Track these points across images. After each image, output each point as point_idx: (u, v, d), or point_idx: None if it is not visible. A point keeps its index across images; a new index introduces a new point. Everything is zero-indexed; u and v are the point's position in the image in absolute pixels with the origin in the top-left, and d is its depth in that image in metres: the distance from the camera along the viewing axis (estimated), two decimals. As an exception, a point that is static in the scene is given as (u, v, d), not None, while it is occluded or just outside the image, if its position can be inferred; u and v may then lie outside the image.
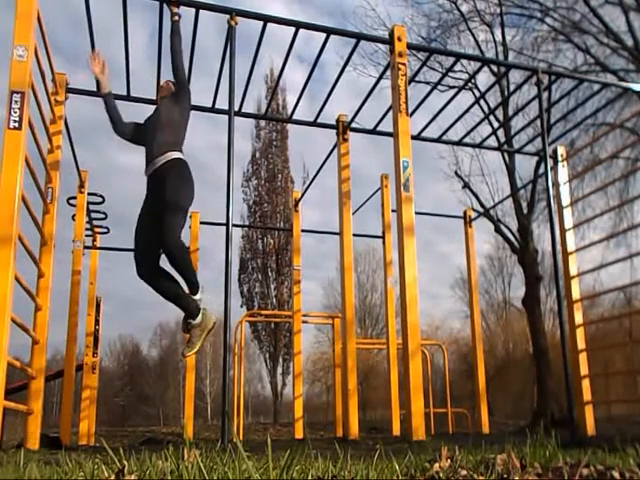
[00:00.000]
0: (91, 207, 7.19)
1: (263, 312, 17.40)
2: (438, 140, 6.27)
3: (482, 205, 13.34)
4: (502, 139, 12.11)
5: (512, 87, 12.43)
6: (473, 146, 8.09)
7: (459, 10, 13.56)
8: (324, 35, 4.49)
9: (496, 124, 11.87)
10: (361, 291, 29.14)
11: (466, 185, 13.90)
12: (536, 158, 11.25)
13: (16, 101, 3.38)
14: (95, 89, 5.05)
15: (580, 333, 5.45)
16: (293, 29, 4.40)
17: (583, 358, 5.36)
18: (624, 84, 7.38)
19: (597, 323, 14.39)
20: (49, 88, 4.49)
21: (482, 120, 7.20)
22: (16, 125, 3.36)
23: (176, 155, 3.69)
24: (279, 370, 22.51)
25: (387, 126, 5.31)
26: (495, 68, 12.38)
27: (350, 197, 5.55)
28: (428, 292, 36.64)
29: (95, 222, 7.87)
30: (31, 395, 3.99)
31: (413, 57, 11.41)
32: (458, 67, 12.20)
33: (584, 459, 1.34)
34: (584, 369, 5.33)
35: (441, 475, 1.30)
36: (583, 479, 1.23)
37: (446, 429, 9.20)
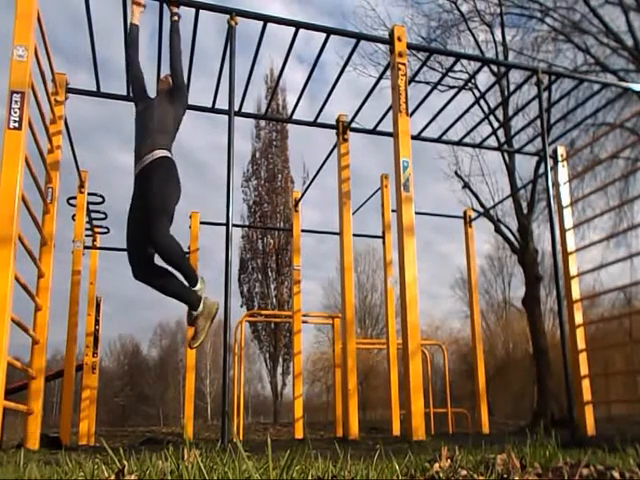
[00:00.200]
0: (91, 207, 7.19)
1: (263, 312, 17.40)
2: (438, 140, 6.27)
3: (482, 205, 13.34)
4: (502, 139, 12.11)
5: (512, 87, 12.44)
6: (473, 146, 8.09)
7: (459, 10, 13.56)
8: (324, 35, 4.49)
9: (496, 124, 11.87)
10: (361, 291, 29.15)
11: (466, 185, 13.90)
12: (536, 158, 11.25)
13: (16, 101, 3.38)
14: (95, 89, 5.10)
15: (580, 333, 5.45)
16: (293, 29, 4.40)
17: (583, 358, 5.36)
18: (624, 84, 7.38)
19: (597, 323, 14.38)
20: (49, 88, 4.49)
21: (482, 120, 7.20)
22: (16, 125, 3.36)
23: (163, 153, 3.63)
24: (279, 370, 22.52)
25: (387, 126, 5.32)
26: (495, 68, 12.38)
27: (350, 197, 5.55)
28: (428, 292, 36.70)
29: (95, 222, 7.87)
30: (31, 395, 3.99)
31: (413, 57, 11.42)
32: (458, 67, 12.21)
33: (584, 459, 1.34)
34: (584, 369, 5.33)
35: (441, 475, 1.30)
36: (583, 479, 1.23)
37: (446, 429, 9.20)
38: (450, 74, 11.31)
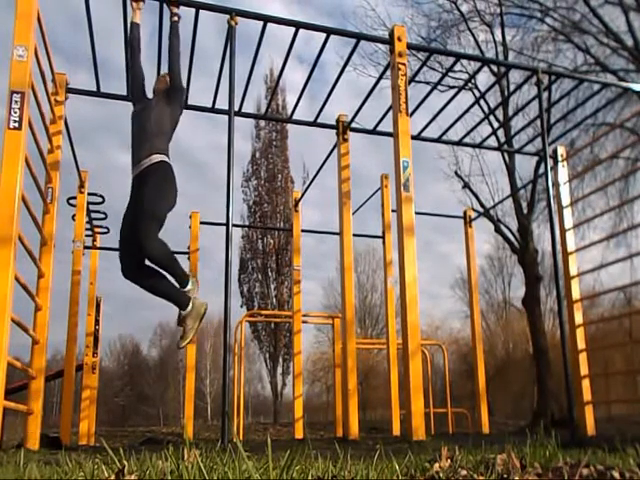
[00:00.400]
0: (91, 207, 7.19)
1: (263, 312, 17.40)
2: (438, 140, 6.27)
3: (482, 205, 13.35)
4: (502, 139, 12.11)
5: (512, 87, 12.44)
6: (473, 146, 8.09)
7: (459, 10, 13.57)
8: (324, 35, 4.49)
9: (496, 124, 11.87)
10: (361, 291, 29.15)
11: (466, 185, 13.91)
12: (536, 158, 11.25)
13: (16, 101, 3.38)
14: (95, 89, 5.10)
15: (580, 333, 5.45)
16: (293, 29, 4.40)
17: (583, 358, 5.36)
18: (624, 84, 7.38)
19: (597, 323, 14.38)
20: (49, 88, 4.48)
21: (482, 120, 7.20)
22: (16, 125, 3.36)
23: (160, 158, 3.67)
24: (279, 370, 22.53)
25: (387, 126, 5.32)
26: (495, 68, 12.38)
27: (350, 197, 5.55)
28: (428, 292, 36.68)
29: (95, 222, 7.87)
30: (31, 395, 3.98)
31: (413, 57, 11.42)
32: (458, 67, 12.21)
33: (584, 459, 1.34)
34: (584, 369, 5.33)
35: (441, 475, 1.30)
36: (583, 479, 1.23)
37: (446, 429, 9.20)
38: (450, 74, 11.32)
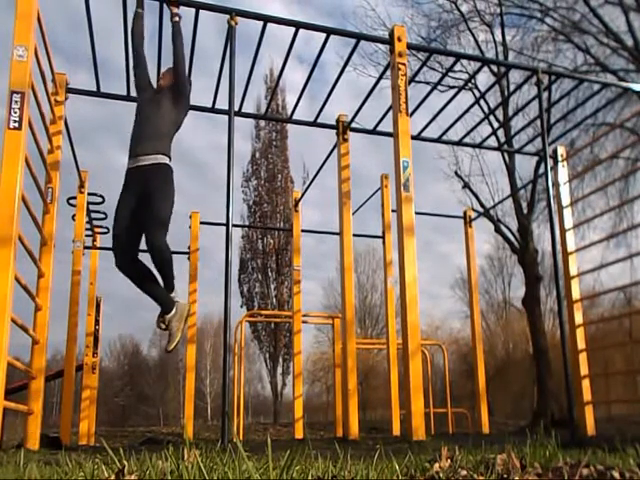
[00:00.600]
0: (91, 207, 7.19)
1: (263, 312, 17.41)
2: (438, 140, 6.27)
3: (482, 205, 13.34)
4: (502, 139, 12.11)
5: (512, 87, 12.44)
6: (473, 146, 8.09)
7: (459, 10, 13.57)
8: (324, 35, 4.49)
9: (496, 124, 11.87)
10: (361, 291, 29.14)
11: (466, 185, 13.90)
12: (536, 158, 11.25)
13: (16, 101, 3.38)
14: (95, 89, 5.10)
15: (580, 333, 5.45)
16: (293, 29, 4.40)
17: (583, 358, 5.36)
18: (624, 84, 7.38)
19: (597, 323, 14.39)
20: (49, 88, 4.48)
21: (482, 120, 7.20)
22: (16, 125, 3.36)
23: (165, 160, 3.76)
24: (279, 370, 22.52)
25: (387, 126, 5.32)
26: (495, 68, 12.38)
27: (350, 197, 5.55)
28: (428, 292, 36.68)
29: (95, 222, 7.87)
30: (31, 395, 3.98)
31: (413, 57, 11.42)
32: (458, 67, 12.21)
33: (584, 459, 1.34)
34: (584, 369, 5.33)
35: (441, 475, 1.30)
36: (583, 479, 1.23)
37: (446, 429, 9.20)
38: (450, 74, 11.32)
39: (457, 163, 14.36)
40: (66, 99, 4.81)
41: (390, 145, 4.39)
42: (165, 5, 4.06)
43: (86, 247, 7.11)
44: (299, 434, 6.73)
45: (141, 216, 3.61)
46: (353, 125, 5.69)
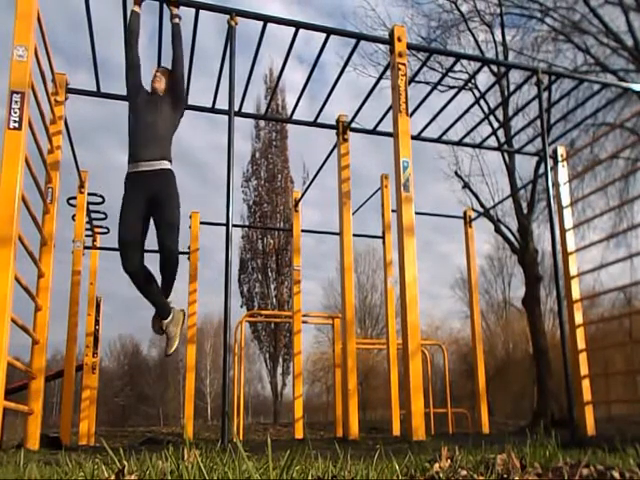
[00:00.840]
0: (91, 207, 7.19)
1: (263, 312, 17.40)
2: (438, 140, 6.27)
3: (482, 205, 13.34)
4: (502, 139, 12.11)
5: (512, 87, 12.44)
6: (473, 146, 8.09)
7: (459, 10, 13.57)
8: (324, 35, 4.49)
9: (496, 124, 11.86)
10: (361, 291, 29.14)
11: (466, 185, 13.90)
12: (536, 158, 11.25)
13: (16, 101, 3.38)
14: (95, 89, 5.09)
15: (580, 333, 5.45)
16: (293, 29, 4.40)
17: (583, 358, 5.36)
18: (624, 84, 7.38)
19: (597, 323, 14.38)
20: (49, 88, 4.48)
21: (482, 120, 7.20)
22: (16, 125, 3.36)
23: (169, 166, 3.83)
24: (279, 370, 22.52)
25: (387, 126, 5.32)
26: (495, 68, 12.38)
27: (350, 197, 5.55)
28: (428, 292, 36.68)
29: (95, 222, 7.87)
30: (31, 395, 3.99)
31: (413, 57, 11.42)
32: (458, 67, 12.21)
33: (584, 459, 1.34)
34: (584, 369, 5.33)
35: (441, 475, 1.30)
36: (583, 479, 1.23)
37: (446, 429, 9.20)
38: (450, 74, 11.32)
39: (457, 163, 14.37)
40: (66, 99, 4.81)
41: (390, 145, 4.39)
42: (165, 5, 4.06)
43: (86, 247, 7.11)
44: (299, 434, 6.73)
45: (156, 222, 3.70)
46: (353, 125, 5.69)
